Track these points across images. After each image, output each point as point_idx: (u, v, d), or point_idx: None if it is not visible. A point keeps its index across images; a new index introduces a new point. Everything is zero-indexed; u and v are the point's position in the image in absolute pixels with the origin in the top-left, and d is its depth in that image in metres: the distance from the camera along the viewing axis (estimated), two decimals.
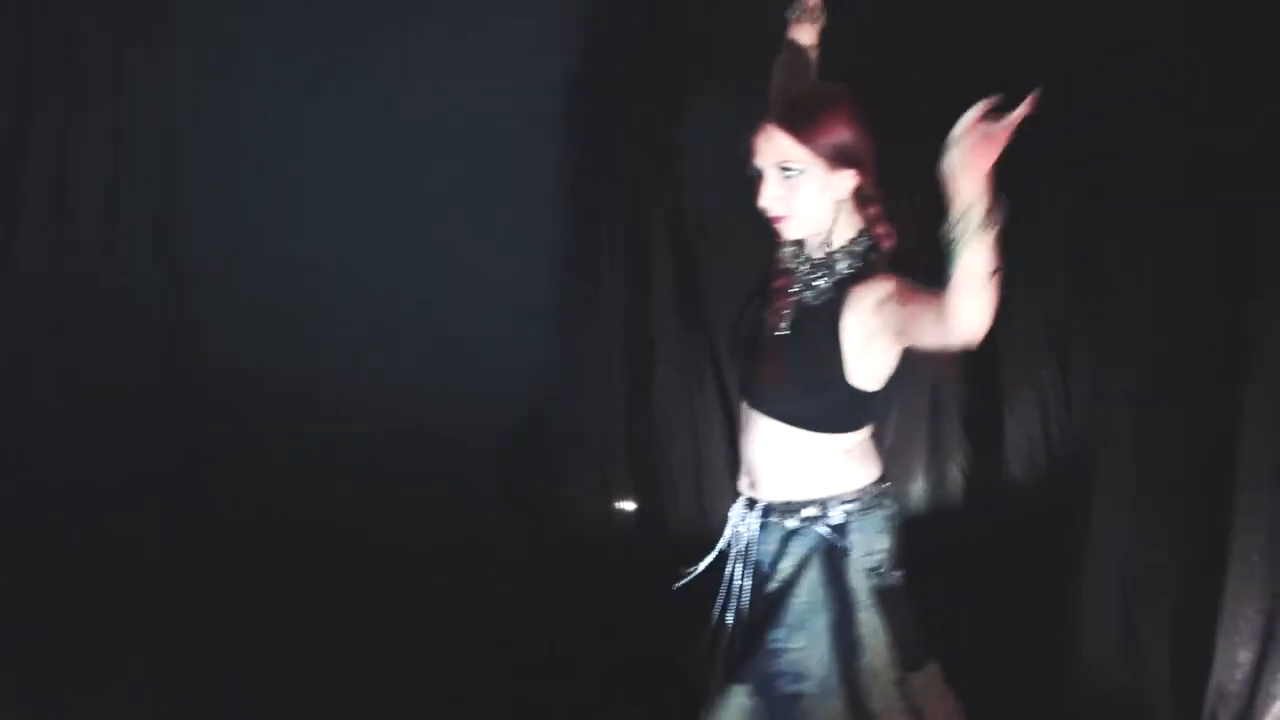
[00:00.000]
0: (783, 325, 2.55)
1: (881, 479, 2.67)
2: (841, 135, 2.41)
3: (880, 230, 2.50)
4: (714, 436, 4.83)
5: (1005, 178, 4.01)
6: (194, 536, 4.65)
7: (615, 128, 4.81)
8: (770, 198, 2.47)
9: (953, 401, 4.74)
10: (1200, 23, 3.88)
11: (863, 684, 2.54)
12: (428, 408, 4.77)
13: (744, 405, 2.69)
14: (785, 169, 2.43)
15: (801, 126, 2.41)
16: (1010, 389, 4.62)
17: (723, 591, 2.77)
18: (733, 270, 4.68)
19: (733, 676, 2.61)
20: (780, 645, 2.53)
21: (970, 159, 1.97)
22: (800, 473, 2.56)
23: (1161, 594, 4.00)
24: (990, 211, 2.02)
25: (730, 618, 2.74)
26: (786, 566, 2.58)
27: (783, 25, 4.46)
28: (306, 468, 4.72)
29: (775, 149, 2.43)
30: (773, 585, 2.60)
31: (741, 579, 2.70)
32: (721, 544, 2.77)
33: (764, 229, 4.58)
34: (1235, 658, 3.80)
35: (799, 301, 2.55)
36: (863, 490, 2.59)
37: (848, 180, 2.45)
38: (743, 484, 2.72)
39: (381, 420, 4.74)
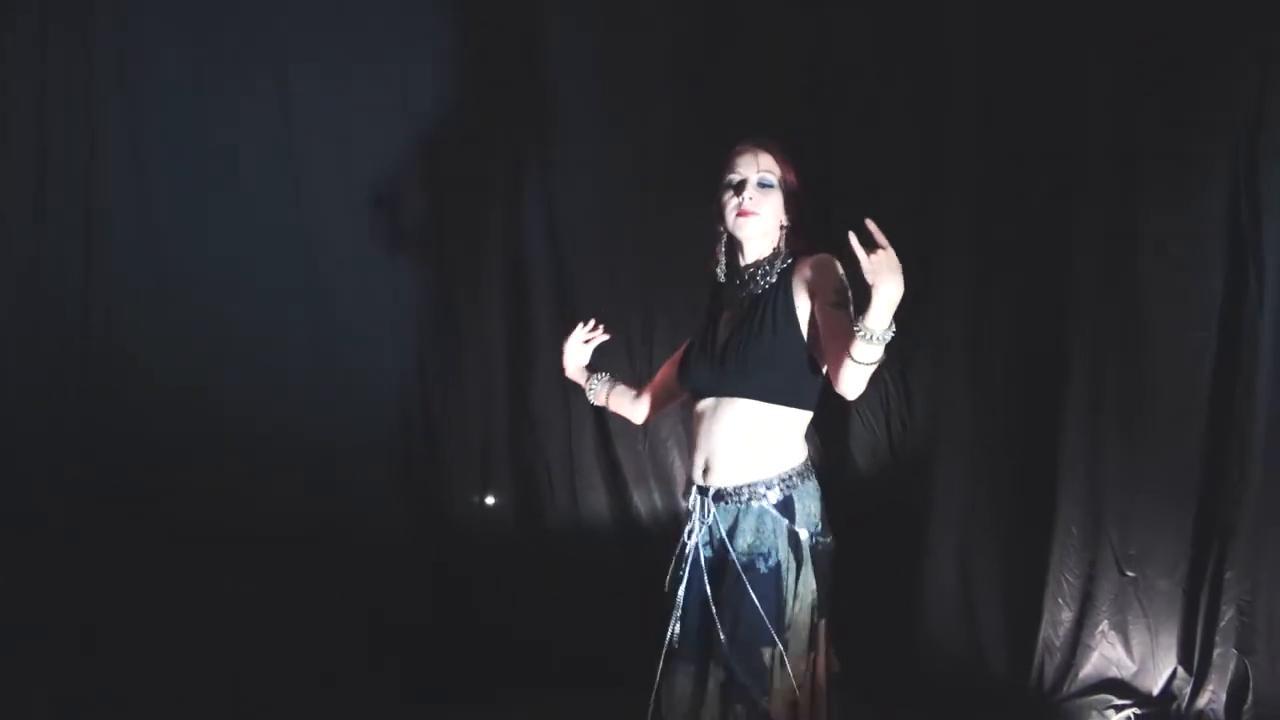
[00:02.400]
0: (729, 333, 2.96)
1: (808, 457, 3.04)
2: (794, 173, 3.03)
3: (799, 246, 3.00)
4: (586, 436, 5.10)
5: (854, 188, 4.41)
6: (84, 525, 4.65)
7: (496, 138, 5.01)
8: (751, 196, 2.95)
9: None
10: (1015, 41, 4.34)
11: (794, 630, 2.89)
12: (314, 403, 4.87)
13: (697, 408, 3.01)
14: (763, 182, 2.96)
15: (780, 154, 3.01)
16: None
17: (684, 573, 2.99)
18: (603, 275, 5.04)
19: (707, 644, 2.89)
20: (742, 612, 2.85)
21: (888, 284, 2.55)
22: (755, 454, 2.90)
23: (994, 566, 4.54)
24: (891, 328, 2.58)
25: (689, 596, 2.98)
26: (749, 539, 2.88)
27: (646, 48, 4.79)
28: (193, 459, 4.78)
29: (760, 164, 2.98)
30: (741, 556, 2.88)
31: (702, 559, 2.95)
32: (690, 534, 3.01)
33: (628, 238, 4.96)
34: (1059, 616, 4.37)
35: (748, 297, 2.97)
36: (800, 466, 2.96)
37: (791, 210, 3.02)
38: (697, 472, 3.01)
39: (270, 414, 4.81)
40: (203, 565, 4.58)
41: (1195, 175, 4.10)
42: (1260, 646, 3.99)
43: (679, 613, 3.00)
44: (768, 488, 2.91)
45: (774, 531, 2.90)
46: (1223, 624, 4.07)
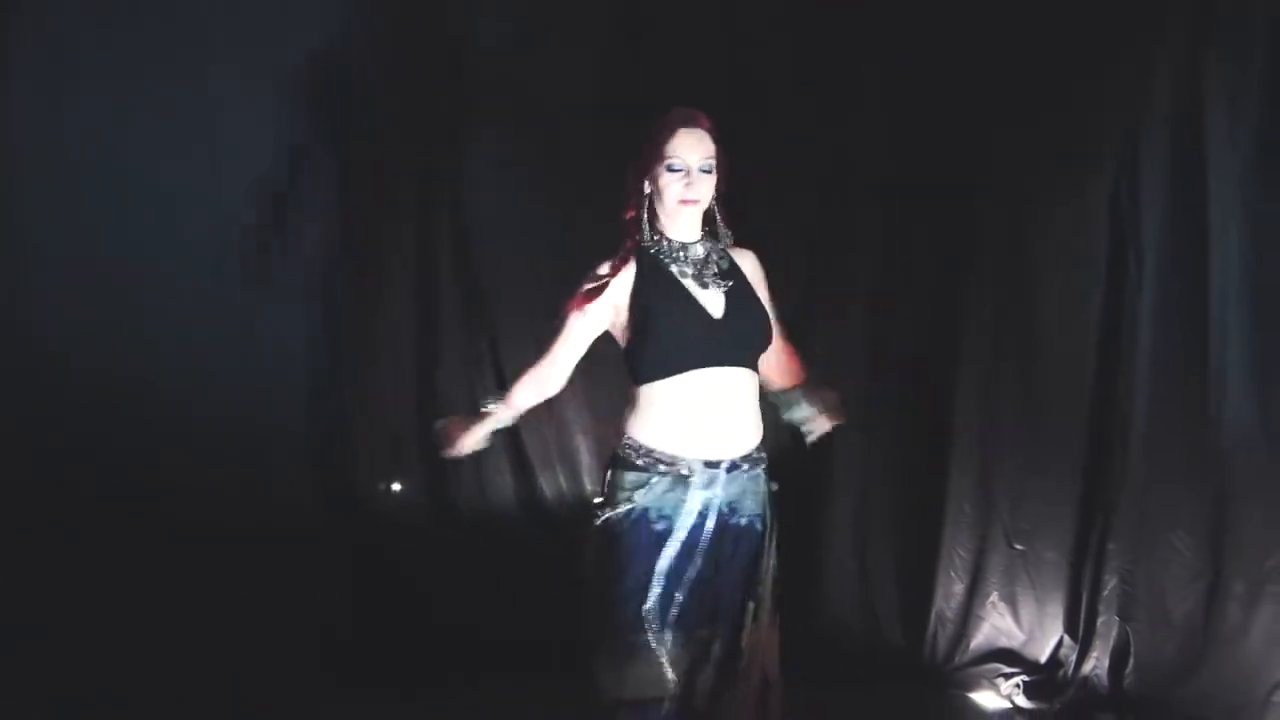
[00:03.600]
0: (721, 298, 2.94)
1: None
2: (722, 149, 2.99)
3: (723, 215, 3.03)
4: None
5: (763, 187, 4.52)
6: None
7: (408, 128, 5.02)
8: (691, 183, 2.93)
9: None
10: (918, 43, 4.46)
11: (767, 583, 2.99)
12: (226, 391, 4.83)
13: (686, 378, 2.88)
14: (704, 168, 2.94)
15: (716, 133, 2.96)
16: None
17: (683, 548, 2.90)
18: (512, 257, 5.08)
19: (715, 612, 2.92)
20: (758, 572, 2.96)
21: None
22: (758, 421, 2.99)
23: (889, 542, 4.69)
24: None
25: (687, 571, 2.91)
26: (750, 503, 2.95)
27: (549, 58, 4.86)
28: (109, 448, 4.74)
29: (703, 149, 2.94)
30: (743, 519, 2.93)
31: (710, 532, 2.90)
32: (698, 508, 2.89)
33: (533, 231, 5.02)
34: (951, 589, 4.53)
35: (717, 271, 2.97)
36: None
37: (722, 181, 3.00)
38: (702, 447, 2.90)
39: (182, 402, 4.76)
40: (112, 554, 4.54)
41: (1083, 170, 4.27)
42: (1141, 614, 4.17)
43: (667, 588, 2.90)
44: (760, 451, 2.99)
45: (765, 493, 3.01)
46: (1105, 593, 4.24)
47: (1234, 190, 3.91)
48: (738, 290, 2.96)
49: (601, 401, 5.19)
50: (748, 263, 3.05)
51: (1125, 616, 4.21)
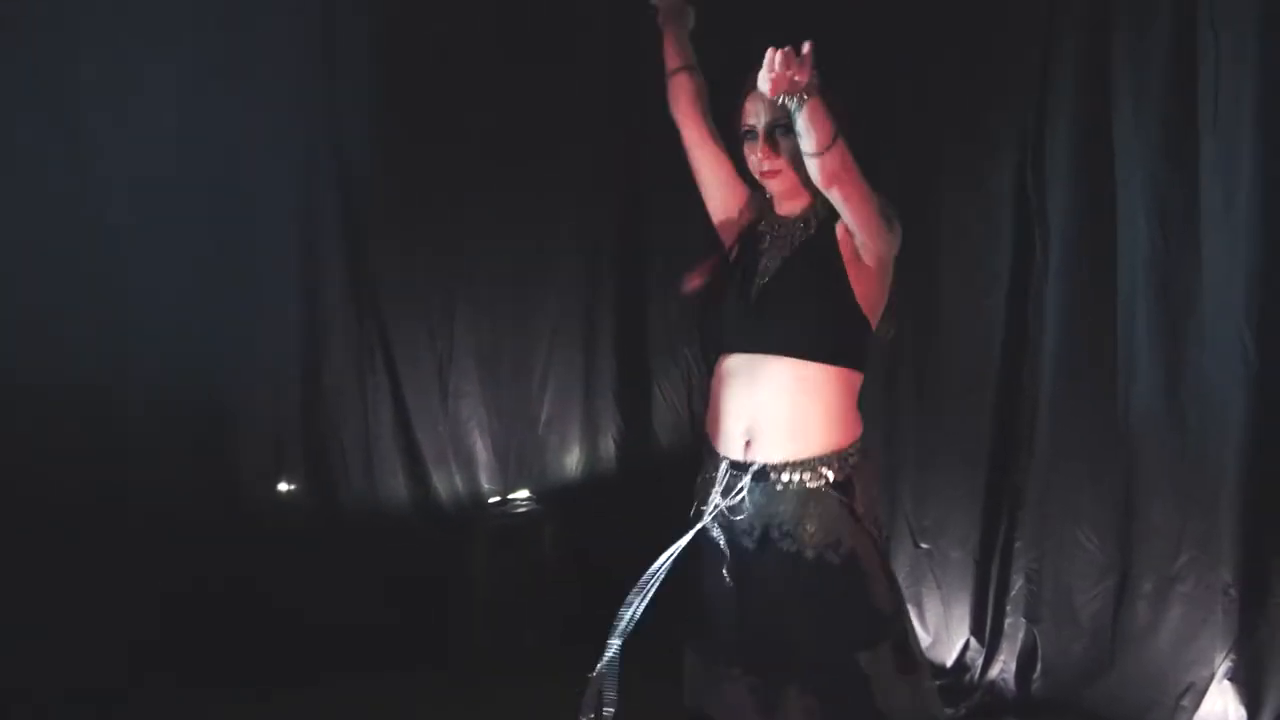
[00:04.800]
0: (768, 269, 2.55)
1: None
2: (828, 100, 2.39)
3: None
4: (384, 416, 4.92)
5: (667, 188, 4.39)
6: None
7: (292, 104, 4.77)
8: (764, 151, 2.54)
9: (605, 377, 5.08)
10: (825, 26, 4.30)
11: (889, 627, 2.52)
12: (103, 387, 4.57)
13: (724, 366, 2.58)
14: (778, 127, 2.52)
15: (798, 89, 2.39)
16: (658, 366, 5.02)
17: (702, 558, 2.60)
18: (401, 243, 4.89)
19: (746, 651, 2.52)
20: (821, 610, 2.45)
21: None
22: (809, 424, 2.48)
23: None
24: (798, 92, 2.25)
25: (719, 592, 2.58)
26: (810, 528, 2.46)
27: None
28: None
29: (770, 106, 2.46)
30: (795, 545, 2.46)
31: (725, 545, 2.55)
32: (710, 512, 2.58)
33: (428, 210, 4.83)
34: None
35: (788, 243, 2.57)
36: (856, 442, 2.53)
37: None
38: (733, 444, 2.55)
39: (57, 394, 4.48)
40: None
41: (988, 153, 4.16)
42: (1047, 615, 4.04)
43: (699, 607, 2.63)
44: (824, 465, 2.48)
45: (838, 516, 2.47)
46: (1013, 593, 4.13)
47: (1141, 177, 3.79)
48: (794, 265, 2.53)
49: (501, 398, 5.05)
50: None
51: (1032, 618, 4.07)
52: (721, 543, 2.56)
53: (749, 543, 2.52)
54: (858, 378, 2.56)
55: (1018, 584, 4.09)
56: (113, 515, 4.51)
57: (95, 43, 4.44)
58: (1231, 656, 3.59)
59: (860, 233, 2.45)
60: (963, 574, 4.25)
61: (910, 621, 2.64)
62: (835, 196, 2.39)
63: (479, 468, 5.09)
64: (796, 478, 2.47)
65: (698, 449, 4.75)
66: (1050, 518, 4.03)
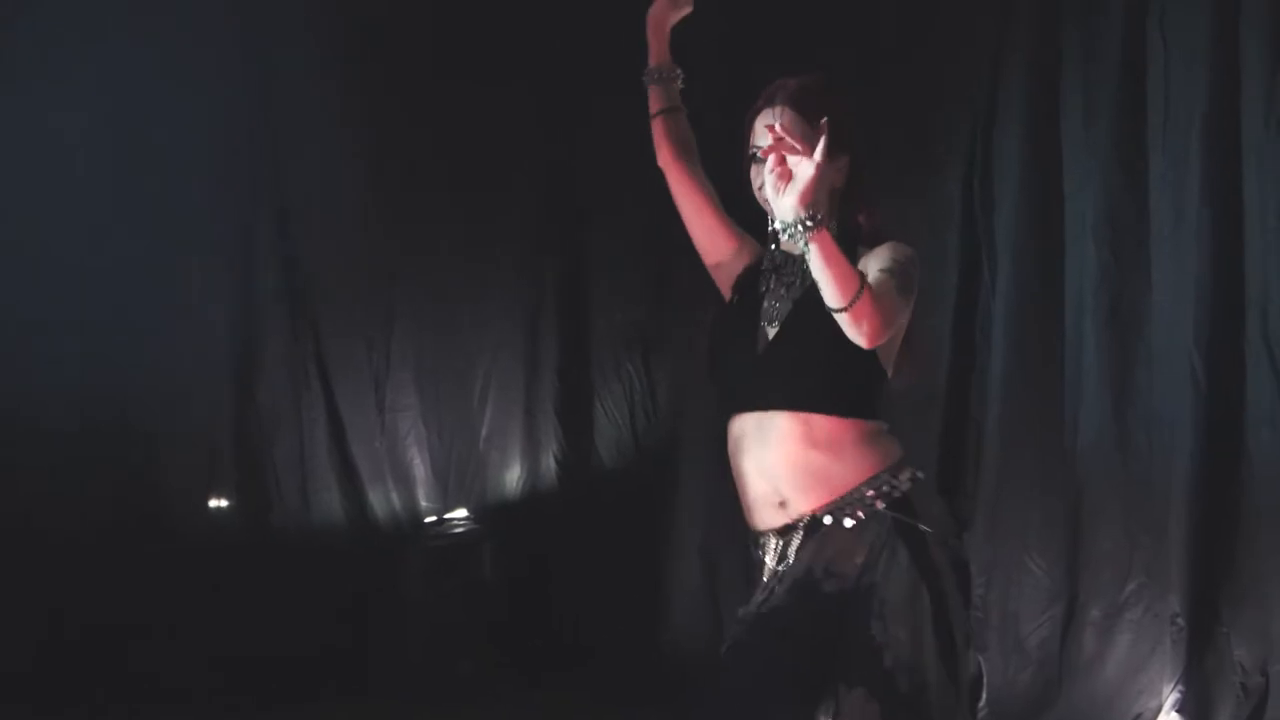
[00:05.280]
0: (774, 317, 2.36)
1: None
2: (844, 117, 2.27)
3: (862, 217, 2.38)
4: (318, 432, 4.79)
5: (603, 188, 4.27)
6: None
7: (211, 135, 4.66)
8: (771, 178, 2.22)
9: (547, 392, 4.96)
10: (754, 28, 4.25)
11: (963, 665, 2.29)
12: (27, 402, 4.44)
13: (735, 428, 2.37)
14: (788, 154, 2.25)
15: (806, 104, 2.30)
16: (600, 381, 4.89)
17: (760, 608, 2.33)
18: (337, 258, 4.76)
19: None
20: (881, 639, 2.21)
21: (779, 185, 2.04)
22: (838, 465, 2.26)
23: (737, 560, 4.35)
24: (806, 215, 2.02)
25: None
26: (859, 559, 2.24)
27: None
28: None
29: (781, 129, 2.22)
30: (839, 584, 2.24)
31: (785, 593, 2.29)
32: (768, 579, 2.33)
33: (368, 232, 4.71)
34: None
35: (787, 292, 2.37)
36: (903, 460, 2.32)
37: (842, 166, 2.33)
38: (767, 513, 2.33)
39: None
40: None
41: (933, 167, 4.07)
42: (993, 643, 3.93)
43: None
44: (870, 487, 2.25)
45: (887, 541, 2.23)
46: None
47: (1090, 193, 3.71)
48: (803, 311, 2.31)
49: (441, 414, 4.93)
50: (875, 263, 2.26)
51: (977, 646, 3.94)
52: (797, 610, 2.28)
53: (782, 592, 2.28)
54: (873, 426, 2.33)
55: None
56: (17, 538, 4.37)
57: (12, 39, 4.34)
58: (1180, 687, 3.51)
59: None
60: None
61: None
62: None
63: (417, 485, 4.96)
64: (844, 512, 2.25)
65: (641, 467, 4.79)
66: (998, 542, 3.93)
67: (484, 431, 4.99)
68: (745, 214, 2.44)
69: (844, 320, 2.09)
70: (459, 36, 4.72)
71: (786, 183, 2.04)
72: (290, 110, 4.65)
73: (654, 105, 2.62)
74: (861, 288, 2.05)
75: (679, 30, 2.57)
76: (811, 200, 2.02)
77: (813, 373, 2.29)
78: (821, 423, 2.27)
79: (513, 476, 5.00)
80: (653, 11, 2.58)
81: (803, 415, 2.27)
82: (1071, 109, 3.71)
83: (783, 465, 2.29)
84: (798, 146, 2.02)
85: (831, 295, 2.06)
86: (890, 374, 2.34)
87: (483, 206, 4.84)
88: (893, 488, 2.26)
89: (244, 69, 4.61)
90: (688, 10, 2.58)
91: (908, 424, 3.95)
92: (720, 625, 4.39)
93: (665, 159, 2.59)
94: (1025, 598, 3.88)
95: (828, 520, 2.25)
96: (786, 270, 2.39)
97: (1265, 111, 3.26)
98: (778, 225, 2.07)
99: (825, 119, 2.06)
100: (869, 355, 2.24)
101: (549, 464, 4.98)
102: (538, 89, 4.79)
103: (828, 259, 2.04)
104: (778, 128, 2.05)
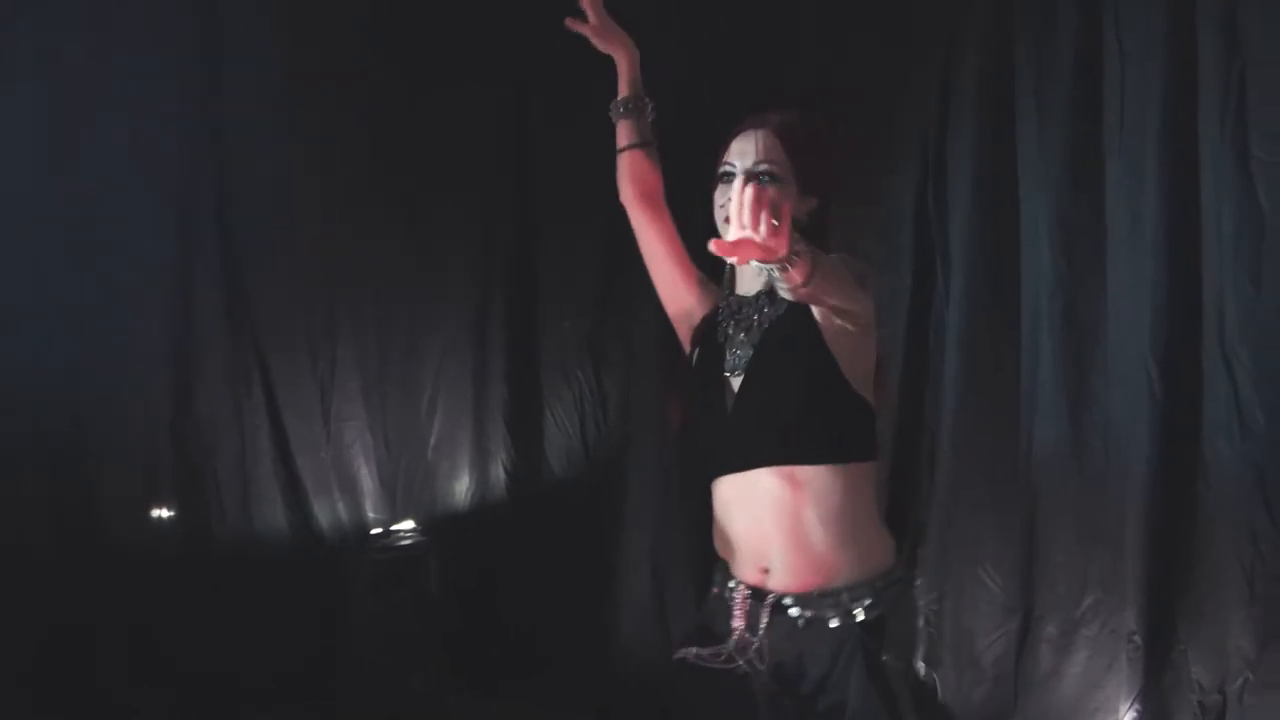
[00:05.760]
0: (736, 367, 2.24)
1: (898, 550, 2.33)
2: (823, 159, 2.26)
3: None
4: (261, 442, 4.66)
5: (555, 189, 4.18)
6: None
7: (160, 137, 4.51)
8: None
9: (496, 401, 4.85)
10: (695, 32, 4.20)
11: None
12: None
13: (723, 491, 2.28)
14: (762, 176, 2.20)
15: (790, 133, 2.23)
16: (550, 390, 4.80)
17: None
18: (280, 262, 4.63)
19: None
20: None
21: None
22: (826, 544, 2.16)
23: (688, 570, 4.33)
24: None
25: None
26: (821, 667, 2.15)
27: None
28: None
29: (758, 151, 2.21)
30: (809, 689, 2.16)
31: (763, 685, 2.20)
32: (733, 640, 2.23)
33: (305, 228, 4.58)
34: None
35: (746, 337, 2.25)
36: (892, 570, 2.22)
37: (811, 207, 2.26)
38: (747, 570, 2.24)
39: None
40: None
41: (884, 170, 3.99)
42: (947, 659, 3.85)
43: None
44: (855, 596, 2.14)
45: (855, 669, 2.12)
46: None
47: (1044, 196, 3.63)
48: (766, 355, 2.19)
49: (388, 423, 4.81)
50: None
51: (931, 663, 3.86)
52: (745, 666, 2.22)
53: (775, 684, 2.20)
54: (870, 469, 2.23)
55: (918, 625, 3.89)
56: None
57: None
58: (1136, 706, 3.44)
59: (834, 313, 2.13)
60: None
61: None
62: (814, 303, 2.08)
63: (364, 496, 4.84)
64: (818, 613, 2.16)
65: (593, 477, 4.70)
66: (951, 555, 3.86)
67: (433, 440, 4.88)
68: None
69: (786, 290, 1.93)
70: (407, 39, 4.61)
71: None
72: (231, 113, 4.51)
73: (620, 139, 2.51)
74: (813, 271, 1.90)
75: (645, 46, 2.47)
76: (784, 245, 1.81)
77: (788, 420, 2.16)
78: (811, 475, 2.14)
79: (461, 486, 4.89)
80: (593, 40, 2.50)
81: (788, 470, 2.14)
82: (1025, 111, 3.63)
83: (776, 535, 2.17)
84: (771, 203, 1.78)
85: (785, 286, 1.93)
86: (874, 402, 2.22)
87: (429, 212, 4.73)
88: (875, 601, 2.14)
89: (181, 69, 4.47)
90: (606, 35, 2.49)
91: None
92: (669, 634, 4.33)
93: (627, 197, 2.52)
94: (980, 612, 3.80)
95: (795, 613, 2.16)
96: (743, 314, 2.28)
97: (1221, 116, 3.17)
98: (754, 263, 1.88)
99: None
100: (849, 390, 2.14)
101: (498, 474, 4.88)
102: (485, 93, 4.67)
103: (805, 283, 1.91)
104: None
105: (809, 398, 2.13)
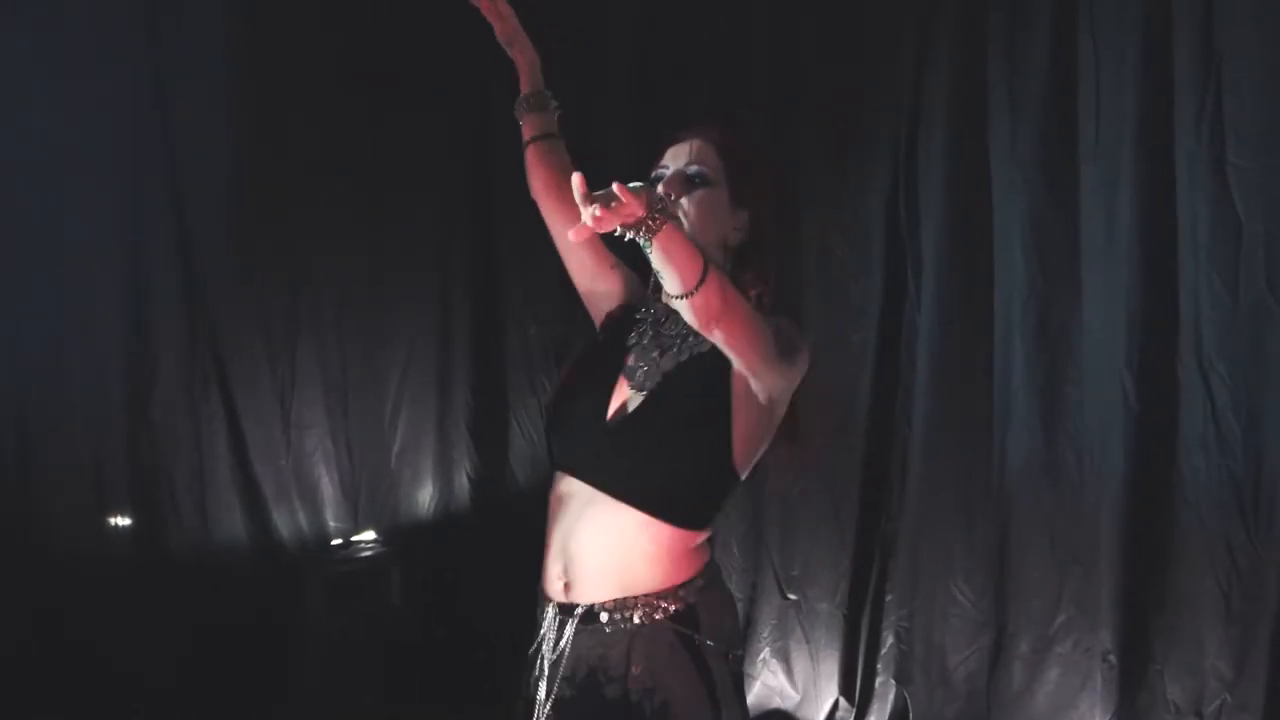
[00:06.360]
0: (641, 383, 2.13)
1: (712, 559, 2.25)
2: (758, 173, 2.19)
3: (756, 288, 2.17)
4: (218, 448, 4.53)
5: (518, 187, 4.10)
6: None
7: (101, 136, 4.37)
8: (666, 193, 2.11)
9: (459, 408, 4.74)
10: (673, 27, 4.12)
11: None
12: None
13: (561, 486, 2.18)
14: (693, 177, 2.13)
15: (727, 143, 2.18)
16: (515, 398, 4.69)
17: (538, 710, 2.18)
18: (236, 281, 4.52)
19: None
20: None
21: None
22: (638, 567, 2.09)
23: None
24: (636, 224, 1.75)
25: None
26: (636, 669, 2.08)
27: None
28: None
29: (691, 154, 2.16)
30: (620, 689, 2.09)
31: (555, 692, 2.15)
32: (545, 655, 2.17)
33: (271, 237, 4.48)
34: None
35: (661, 357, 2.14)
36: (704, 568, 2.15)
37: (742, 224, 2.16)
38: (554, 585, 2.16)
39: None
40: None
41: (855, 175, 3.89)
42: (918, 676, 3.76)
43: None
44: (661, 599, 2.09)
45: (670, 655, 2.08)
46: (883, 651, 3.85)
47: (1017, 201, 3.53)
48: (668, 394, 2.09)
49: (350, 430, 4.71)
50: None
51: (902, 679, 3.78)
52: (540, 694, 2.16)
53: (569, 690, 2.12)
54: (698, 539, 2.13)
55: (888, 641, 3.80)
56: None
57: None
58: None
59: (748, 372, 2.02)
60: (831, 628, 3.95)
61: None
62: (717, 338, 1.95)
63: (325, 505, 4.73)
64: (624, 615, 2.08)
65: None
66: (922, 569, 3.76)
67: (395, 449, 4.77)
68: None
69: (685, 308, 1.84)
70: (366, 39, 4.50)
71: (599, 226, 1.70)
72: (186, 112, 4.38)
73: (526, 132, 2.42)
74: (707, 269, 1.80)
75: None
76: (644, 206, 1.71)
77: (659, 469, 2.06)
78: (648, 527, 2.06)
79: (425, 496, 4.79)
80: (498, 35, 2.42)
81: (632, 511, 2.06)
82: (998, 114, 3.54)
83: (586, 551, 2.09)
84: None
85: (671, 282, 1.82)
86: (743, 473, 2.10)
87: (390, 216, 4.62)
88: (684, 596, 2.08)
89: (136, 68, 4.35)
90: (506, 25, 2.41)
91: (830, 443, 3.86)
92: None
93: (536, 189, 2.42)
94: (951, 628, 3.71)
95: (604, 617, 2.08)
96: (667, 330, 2.16)
97: (1197, 120, 3.09)
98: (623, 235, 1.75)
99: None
100: (725, 458, 2.06)
101: (462, 482, 4.77)
102: (448, 93, 4.58)
103: (668, 247, 1.77)
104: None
105: (688, 453, 2.04)
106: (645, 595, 2.08)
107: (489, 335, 4.74)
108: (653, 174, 2.20)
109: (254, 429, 4.60)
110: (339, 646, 4.39)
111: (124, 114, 4.37)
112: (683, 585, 2.09)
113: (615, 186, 1.67)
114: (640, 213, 1.70)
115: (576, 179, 1.66)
